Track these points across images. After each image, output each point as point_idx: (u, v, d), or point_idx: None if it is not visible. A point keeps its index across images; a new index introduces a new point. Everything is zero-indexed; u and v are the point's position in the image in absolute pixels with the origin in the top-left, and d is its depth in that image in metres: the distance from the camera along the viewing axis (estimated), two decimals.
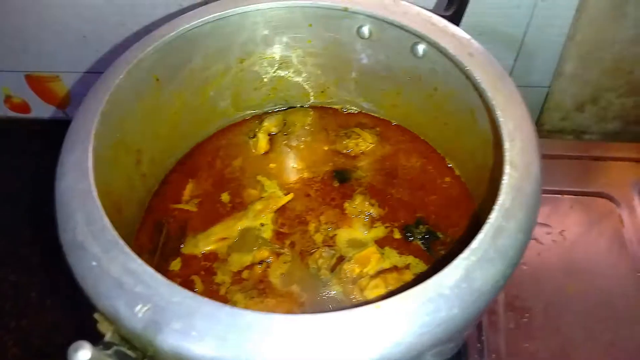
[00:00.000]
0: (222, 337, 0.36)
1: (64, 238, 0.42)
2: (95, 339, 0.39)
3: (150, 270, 0.39)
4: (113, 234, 0.41)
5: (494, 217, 0.40)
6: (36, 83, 0.98)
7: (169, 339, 0.36)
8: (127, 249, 0.40)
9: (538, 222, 0.75)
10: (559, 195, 0.79)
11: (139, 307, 0.37)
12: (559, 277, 0.71)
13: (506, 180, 0.42)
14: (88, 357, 0.34)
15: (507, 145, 0.44)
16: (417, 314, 0.36)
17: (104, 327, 0.39)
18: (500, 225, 0.40)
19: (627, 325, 0.67)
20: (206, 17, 0.57)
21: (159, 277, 0.39)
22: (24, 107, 1.04)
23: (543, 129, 0.96)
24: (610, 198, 0.78)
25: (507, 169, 0.43)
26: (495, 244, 0.39)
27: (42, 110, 1.03)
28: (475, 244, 0.39)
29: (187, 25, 0.57)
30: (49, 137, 1.04)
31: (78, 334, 0.36)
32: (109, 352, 0.38)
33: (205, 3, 0.80)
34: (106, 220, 0.42)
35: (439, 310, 0.37)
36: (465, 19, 0.63)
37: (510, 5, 0.78)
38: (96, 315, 0.39)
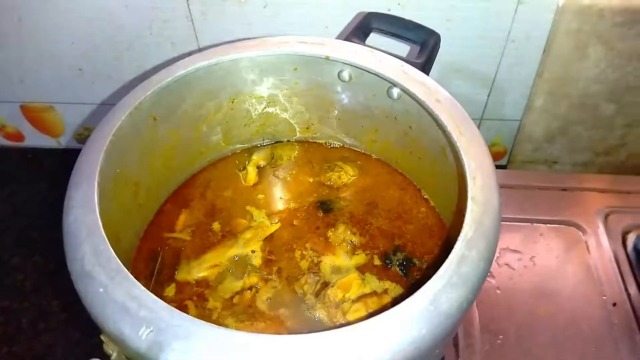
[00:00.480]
0: (220, 356, 0.38)
1: (72, 267, 0.44)
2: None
3: (152, 295, 0.41)
4: (118, 262, 0.43)
5: (458, 247, 0.43)
6: (31, 113, 0.99)
7: (171, 359, 0.38)
8: (131, 277, 0.42)
9: (510, 249, 0.80)
10: (530, 224, 0.81)
11: (142, 329, 0.39)
12: (530, 301, 0.74)
13: (468, 214, 0.45)
14: None
15: (469, 182, 0.47)
16: (390, 334, 0.39)
17: (110, 347, 0.41)
18: (463, 254, 0.42)
19: (593, 345, 0.70)
20: (200, 64, 0.59)
21: (160, 302, 0.41)
22: (18, 136, 1.04)
23: (516, 160, 0.98)
24: (577, 226, 0.81)
25: (469, 204, 0.45)
26: (459, 271, 0.42)
27: (35, 139, 1.04)
28: (441, 271, 0.42)
29: (183, 72, 0.58)
30: (42, 165, 1.05)
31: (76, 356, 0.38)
32: None
33: (196, 40, 0.84)
34: (111, 251, 0.44)
35: (409, 331, 0.39)
36: (442, 58, 0.67)
37: (483, 45, 0.82)
38: (102, 337, 0.41)
